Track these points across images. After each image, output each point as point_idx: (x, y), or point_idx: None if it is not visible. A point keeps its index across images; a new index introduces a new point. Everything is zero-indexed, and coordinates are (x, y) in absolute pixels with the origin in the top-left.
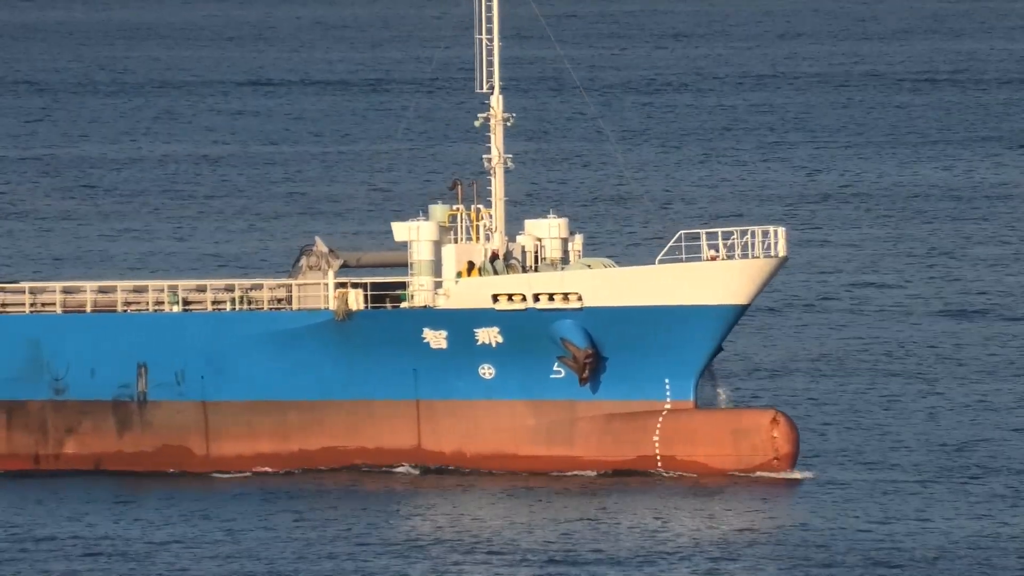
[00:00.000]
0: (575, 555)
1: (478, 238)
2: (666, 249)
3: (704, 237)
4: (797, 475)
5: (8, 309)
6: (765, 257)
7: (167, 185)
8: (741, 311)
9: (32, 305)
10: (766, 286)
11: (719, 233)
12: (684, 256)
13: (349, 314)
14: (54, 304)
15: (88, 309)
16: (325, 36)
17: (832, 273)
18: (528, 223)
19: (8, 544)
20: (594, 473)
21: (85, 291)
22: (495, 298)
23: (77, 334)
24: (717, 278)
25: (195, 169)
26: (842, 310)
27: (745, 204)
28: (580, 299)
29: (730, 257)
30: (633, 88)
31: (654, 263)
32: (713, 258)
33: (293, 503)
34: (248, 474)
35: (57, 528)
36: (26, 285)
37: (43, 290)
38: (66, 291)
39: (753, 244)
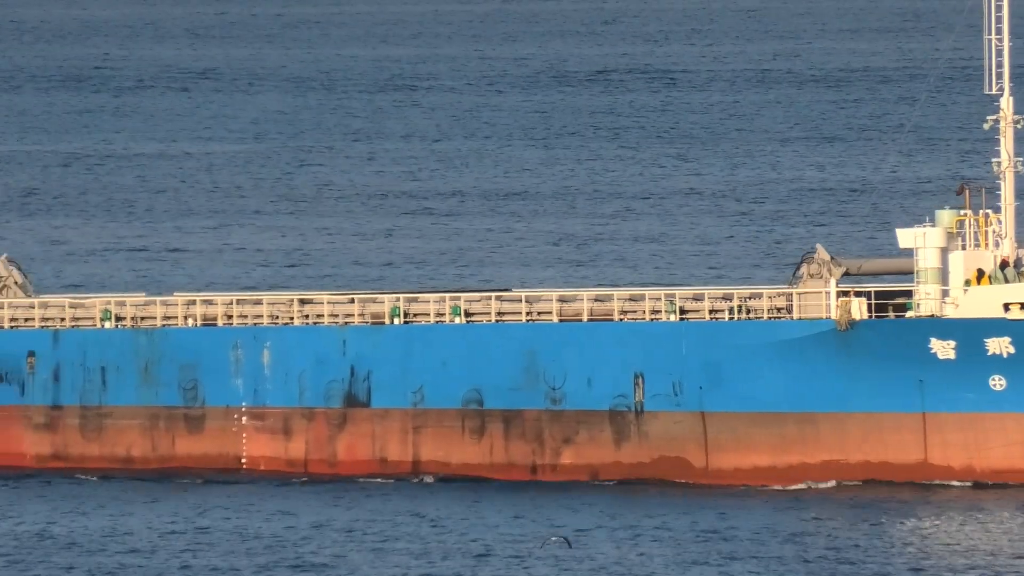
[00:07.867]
0: None
1: (987, 244)
2: None
3: None
4: None
5: (505, 318)
6: None
7: (650, 188)
8: None
9: (528, 314)
10: None
11: None
12: None
13: (851, 323)
14: (550, 313)
15: (584, 318)
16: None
17: None
18: None
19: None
20: None
21: (581, 299)
22: (1007, 307)
23: (574, 343)
24: None
25: (676, 169)
26: None
27: None
28: None
29: None
30: None
31: None
32: None
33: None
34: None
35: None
36: (521, 294)
37: (538, 299)
38: (562, 300)
39: None
